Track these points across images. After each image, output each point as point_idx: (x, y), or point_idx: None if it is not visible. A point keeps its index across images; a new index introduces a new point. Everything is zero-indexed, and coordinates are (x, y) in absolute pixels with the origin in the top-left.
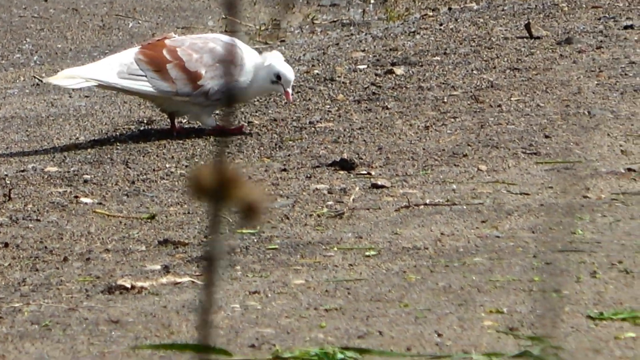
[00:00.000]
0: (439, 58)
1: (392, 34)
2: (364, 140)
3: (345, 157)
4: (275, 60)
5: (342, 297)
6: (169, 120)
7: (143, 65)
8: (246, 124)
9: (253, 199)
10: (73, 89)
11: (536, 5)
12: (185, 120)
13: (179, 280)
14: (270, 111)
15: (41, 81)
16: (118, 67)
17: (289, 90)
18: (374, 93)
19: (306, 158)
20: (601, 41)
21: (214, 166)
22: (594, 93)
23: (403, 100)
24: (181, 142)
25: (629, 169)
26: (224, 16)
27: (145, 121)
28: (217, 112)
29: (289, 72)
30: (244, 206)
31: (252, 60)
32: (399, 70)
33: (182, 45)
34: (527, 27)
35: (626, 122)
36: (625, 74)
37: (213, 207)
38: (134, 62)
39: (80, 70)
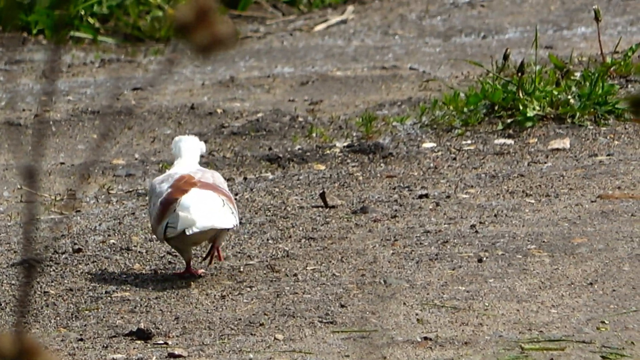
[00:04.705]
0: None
1: None
2: (161, 310)
3: (142, 327)
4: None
5: None
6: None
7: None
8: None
9: None
10: None
11: (331, 175)
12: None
13: None
14: (66, 281)
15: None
16: (231, 212)
17: None
18: (170, 262)
19: (103, 328)
20: (396, 210)
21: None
22: (389, 262)
23: (199, 269)
24: None
25: (425, 338)
26: (19, 186)
27: None
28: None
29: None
30: None
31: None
32: None
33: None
34: (322, 196)
35: (422, 291)
36: (421, 243)
37: None
38: (225, 203)
39: (216, 222)
